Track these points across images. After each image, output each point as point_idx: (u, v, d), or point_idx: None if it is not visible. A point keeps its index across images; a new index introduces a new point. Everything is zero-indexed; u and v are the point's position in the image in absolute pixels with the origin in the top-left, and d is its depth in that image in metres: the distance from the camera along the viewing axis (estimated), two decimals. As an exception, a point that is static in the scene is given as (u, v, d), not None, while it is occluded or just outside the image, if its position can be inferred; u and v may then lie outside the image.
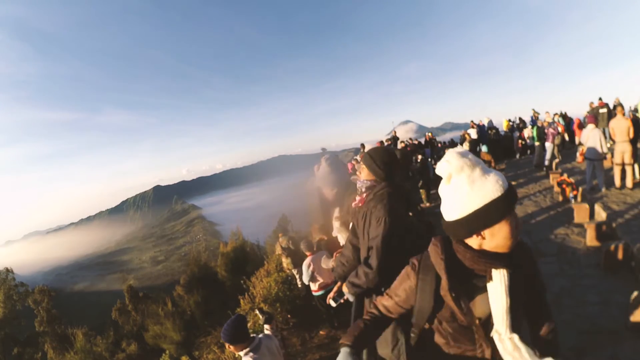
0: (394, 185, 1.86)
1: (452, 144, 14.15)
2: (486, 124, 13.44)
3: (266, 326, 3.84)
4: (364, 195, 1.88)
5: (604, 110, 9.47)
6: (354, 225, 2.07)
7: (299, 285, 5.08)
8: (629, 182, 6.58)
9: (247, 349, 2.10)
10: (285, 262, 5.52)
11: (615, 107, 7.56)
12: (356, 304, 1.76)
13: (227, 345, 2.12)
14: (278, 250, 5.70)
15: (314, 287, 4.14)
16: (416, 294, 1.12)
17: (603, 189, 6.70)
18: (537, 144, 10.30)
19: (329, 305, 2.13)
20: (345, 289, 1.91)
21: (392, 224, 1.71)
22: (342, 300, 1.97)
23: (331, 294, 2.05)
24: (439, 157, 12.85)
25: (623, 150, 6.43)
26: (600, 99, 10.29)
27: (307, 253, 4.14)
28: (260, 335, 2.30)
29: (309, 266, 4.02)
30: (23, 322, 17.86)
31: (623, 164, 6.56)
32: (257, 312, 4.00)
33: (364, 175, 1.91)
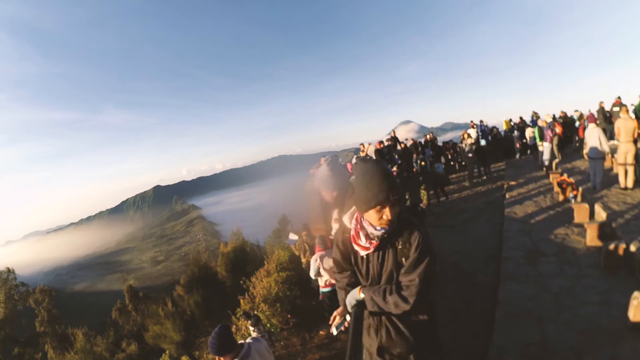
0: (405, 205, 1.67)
1: (454, 145, 14.19)
2: (482, 125, 13.47)
3: (252, 329, 3.90)
4: (375, 241, 1.52)
5: (617, 108, 9.47)
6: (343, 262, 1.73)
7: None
8: (629, 182, 6.58)
9: (237, 359, 2.07)
10: (304, 259, 5.54)
11: (620, 106, 7.53)
12: (355, 316, 1.54)
13: (217, 358, 2.06)
14: (299, 248, 5.69)
15: (321, 282, 4.20)
16: None
17: (603, 190, 6.70)
18: (539, 144, 10.37)
19: (331, 302, 2.01)
20: (348, 304, 1.68)
21: (434, 255, 1.49)
22: (342, 328, 1.85)
23: (335, 321, 1.80)
24: (439, 157, 12.87)
25: (627, 151, 6.44)
26: (619, 97, 10.23)
27: (318, 249, 4.21)
28: (249, 341, 2.27)
29: (316, 261, 4.08)
30: (23, 322, 17.88)
31: (626, 164, 6.57)
32: (242, 316, 4.01)
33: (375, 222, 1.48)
